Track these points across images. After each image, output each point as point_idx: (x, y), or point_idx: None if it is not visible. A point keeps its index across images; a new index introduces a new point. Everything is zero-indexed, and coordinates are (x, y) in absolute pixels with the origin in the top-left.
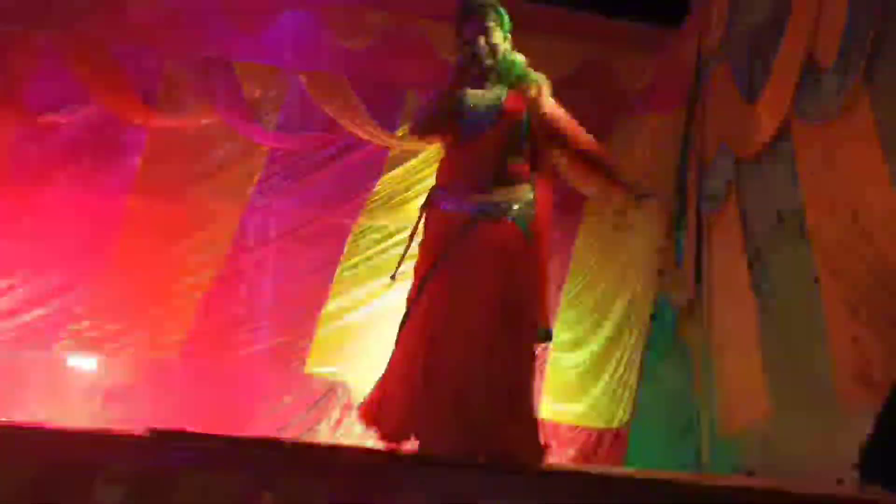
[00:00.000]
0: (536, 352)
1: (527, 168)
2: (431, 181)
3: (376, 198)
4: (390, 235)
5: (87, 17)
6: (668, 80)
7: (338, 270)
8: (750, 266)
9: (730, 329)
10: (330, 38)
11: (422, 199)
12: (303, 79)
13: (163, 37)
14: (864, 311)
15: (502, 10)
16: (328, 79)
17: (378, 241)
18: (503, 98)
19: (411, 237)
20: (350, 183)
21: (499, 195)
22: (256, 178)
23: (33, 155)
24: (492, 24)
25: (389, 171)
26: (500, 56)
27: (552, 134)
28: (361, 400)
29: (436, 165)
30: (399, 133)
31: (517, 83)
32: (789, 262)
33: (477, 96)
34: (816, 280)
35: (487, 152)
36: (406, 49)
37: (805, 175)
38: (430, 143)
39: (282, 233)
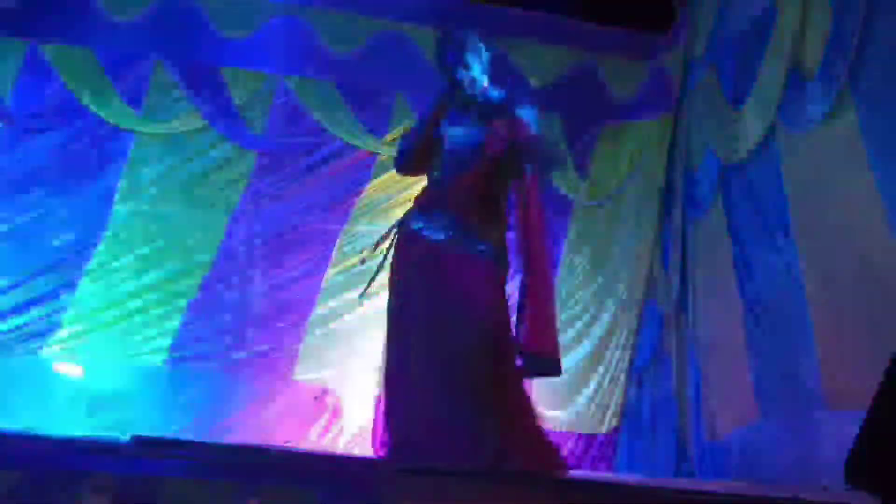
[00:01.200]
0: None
1: (504, 199)
2: (419, 187)
3: (364, 203)
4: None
5: (74, 23)
6: (654, 86)
7: (326, 276)
8: (736, 270)
9: (716, 334)
10: (317, 44)
11: (409, 206)
12: (290, 84)
13: (150, 42)
14: (850, 315)
15: (482, 44)
16: (316, 84)
17: (366, 247)
18: (483, 136)
19: (385, 257)
20: (338, 188)
21: (475, 227)
22: (244, 183)
23: (20, 161)
24: (471, 56)
25: (377, 176)
26: (479, 89)
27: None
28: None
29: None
30: (387, 138)
31: (497, 118)
32: (775, 266)
33: (457, 136)
34: (802, 285)
35: (467, 187)
36: (394, 54)
37: (790, 180)
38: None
39: (269, 238)
